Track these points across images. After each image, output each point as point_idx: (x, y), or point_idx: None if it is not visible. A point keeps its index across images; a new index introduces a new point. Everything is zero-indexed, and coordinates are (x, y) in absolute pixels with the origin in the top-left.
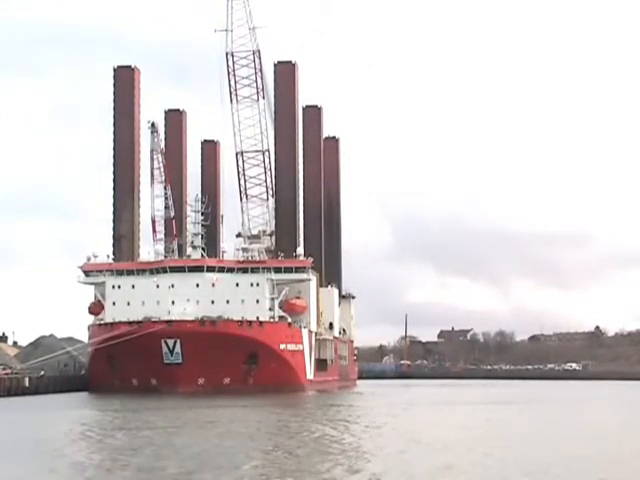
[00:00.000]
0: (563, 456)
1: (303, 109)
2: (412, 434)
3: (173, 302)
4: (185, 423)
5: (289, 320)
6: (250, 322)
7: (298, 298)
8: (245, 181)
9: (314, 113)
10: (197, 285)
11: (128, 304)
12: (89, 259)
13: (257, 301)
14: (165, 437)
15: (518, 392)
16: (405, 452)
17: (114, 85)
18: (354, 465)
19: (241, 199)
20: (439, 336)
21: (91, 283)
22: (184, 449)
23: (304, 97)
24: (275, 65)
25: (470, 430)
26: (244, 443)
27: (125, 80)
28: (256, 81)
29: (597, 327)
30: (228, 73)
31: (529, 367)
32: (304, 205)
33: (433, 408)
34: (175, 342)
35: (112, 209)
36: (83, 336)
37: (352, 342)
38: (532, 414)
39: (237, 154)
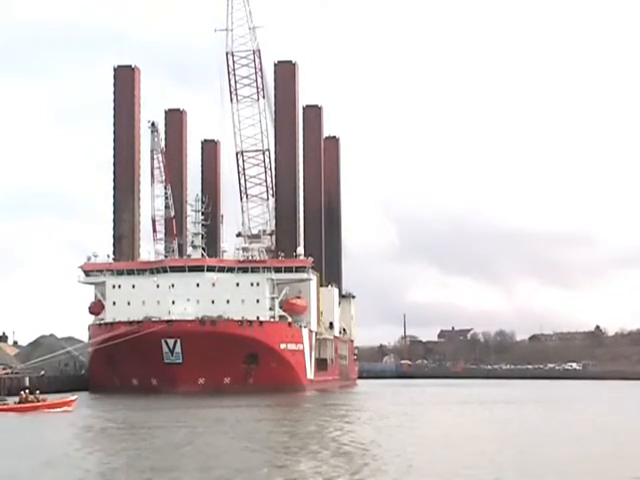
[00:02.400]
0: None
1: (303, 109)
2: (432, 433)
3: (173, 302)
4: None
5: (289, 320)
6: (250, 322)
7: (298, 298)
8: (245, 181)
9: (314, 113)
10: (197, 285)
11: (128, 304)
12: (89, 259)
13: (257, 301)
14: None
15: (522, 391)
16: (431, 452)
17: (114, 85)
18: (380, 467)
19: (241, 199)
20: (439, 336)
21: (91, 283)
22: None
23: (304, 97)
24: (275, 65)
25: (493, 429)
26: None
27: (125, 80)
28: (256, 81)
29: (597, 327)
30: (228, 73)
31: (529, 367)
32: (304, 205)
33: (442, 407)
34: (175, 342)
35: (112, 209)
36: (83, 336)
37: (352, 342)
38: (548, 412)
39: (237, 154)
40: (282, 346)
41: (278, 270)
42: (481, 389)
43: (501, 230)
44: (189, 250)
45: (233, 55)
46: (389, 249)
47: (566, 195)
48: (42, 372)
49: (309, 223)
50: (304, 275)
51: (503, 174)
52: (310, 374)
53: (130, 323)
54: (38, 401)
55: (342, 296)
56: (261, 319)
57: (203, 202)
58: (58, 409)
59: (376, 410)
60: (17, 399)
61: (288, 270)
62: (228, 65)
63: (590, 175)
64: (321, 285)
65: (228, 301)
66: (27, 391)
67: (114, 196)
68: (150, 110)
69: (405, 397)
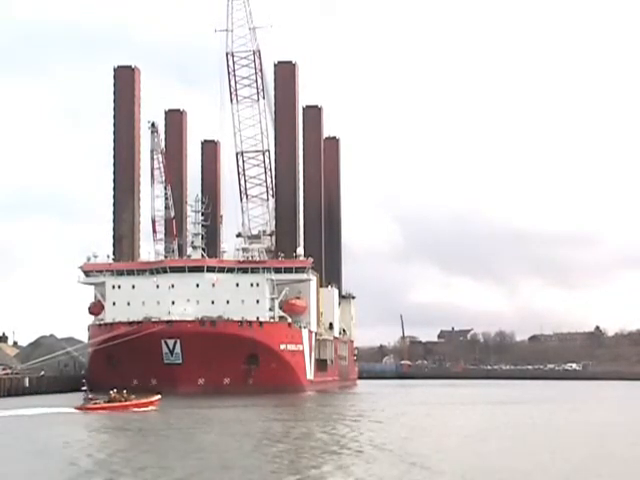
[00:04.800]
0: None
1: (303, 109)
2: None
3: (173, 302)
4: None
5: (289, 320)
6: (250, 322)
7: (298, 298)
8: (245, 181)
9: (314, 113)
10: (197, 285)
11: (128, 304)
12: (89, 259)
13: (257, 301)
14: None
15: (524, 392)
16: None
17: (114, 85)
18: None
19: (241, 199)
20: (439, 336)
21: (91, 283)
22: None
23: (304, 97)
24: (275, 65)
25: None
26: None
27: (125, 80)
28: (256, 81)
29: (597, 327)
30: (228, 73)
31: (529, 367)
32: (304, 205)
33: (449, 408)
34: (175, 342)
35: (112, 209)
36: (83, 336)
37: (352, 342)
38: (556, 413)
39: (237, 154)
40: (282, 347)
41: (278, 271)
42: (483, 390)
43: (503, 230)
44: (189, 250)
45: (233, 55)
46: (389, 249)
47: (567, 196)
48: (42, 372)
49: (309, 223)
50: (304, 276)
51: (505, 174)
52: (310, 375)
53: (130, 323)
54: (126, 400)
55: (342, 296)
56: (261, 320)
57: (203, 202)
58: (145, 408)
59: (419, 415)
60: (107, 398)
61: (288, 271)
62: (228, 65)
63: (592, 176)
64: (321, 285)
65: (228, 302)
66: (115, 390)
67: (114, 196)
68: (150, 110)
69: (410, 397)
